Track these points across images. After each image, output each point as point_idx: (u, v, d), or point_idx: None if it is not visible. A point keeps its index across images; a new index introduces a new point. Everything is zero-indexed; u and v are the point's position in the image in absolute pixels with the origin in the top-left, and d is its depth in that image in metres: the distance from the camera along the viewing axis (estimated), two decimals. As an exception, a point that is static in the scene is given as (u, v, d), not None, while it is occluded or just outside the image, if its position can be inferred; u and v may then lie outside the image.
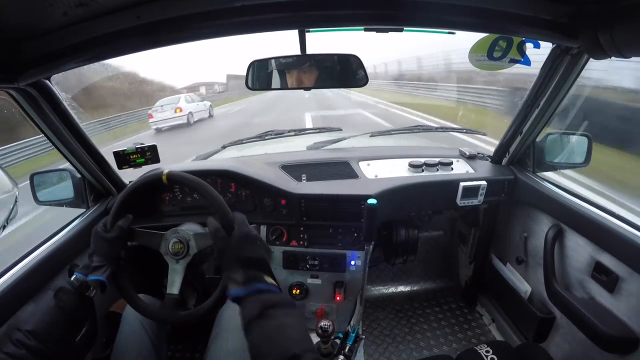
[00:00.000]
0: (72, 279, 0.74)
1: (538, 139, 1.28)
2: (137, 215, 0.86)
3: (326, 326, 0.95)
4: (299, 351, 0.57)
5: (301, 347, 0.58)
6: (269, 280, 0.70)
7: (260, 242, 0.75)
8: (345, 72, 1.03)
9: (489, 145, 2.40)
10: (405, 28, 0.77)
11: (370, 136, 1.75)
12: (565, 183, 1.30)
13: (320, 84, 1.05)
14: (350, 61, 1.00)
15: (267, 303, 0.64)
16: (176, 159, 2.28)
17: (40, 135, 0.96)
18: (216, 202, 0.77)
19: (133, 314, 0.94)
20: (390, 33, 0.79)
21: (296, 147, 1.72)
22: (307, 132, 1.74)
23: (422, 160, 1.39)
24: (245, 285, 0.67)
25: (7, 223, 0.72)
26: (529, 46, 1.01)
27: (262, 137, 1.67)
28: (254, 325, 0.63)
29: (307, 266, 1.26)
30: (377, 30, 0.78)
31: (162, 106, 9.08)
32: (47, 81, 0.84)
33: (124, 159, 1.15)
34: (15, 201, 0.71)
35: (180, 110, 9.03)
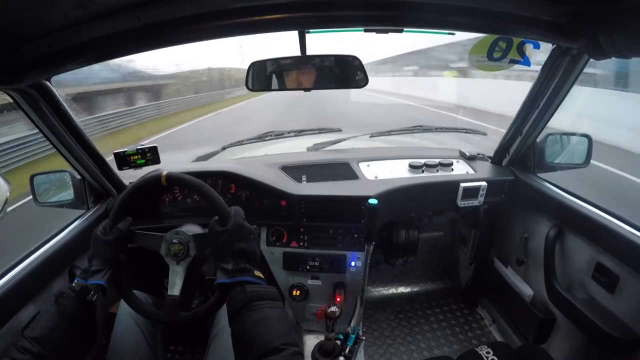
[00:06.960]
0: (73, 284, 0.74)
1: (538, 140, 1.29)
2: (137, 217, 0.86)
3: (334, 309, 1.01)
4: (281, 344, 0.58)
5: (283, 341, 0.59)
6: (257, 273, 0.71)
7: (254, 236, 0.76)
8: (345, 72, 1.03)
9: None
10: (405, 29, 0.78)
11: (370, 137, 1.74)
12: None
13: (320, 85, 1.05)
14: (350, 62, 1.00)
15: (253, 295, 0.65)
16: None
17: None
18: (212, 198, 0.78)
19: (127, 313, 0.93)
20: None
21: (296, 148, 1.71)
22: (307, 133, 1.74)
23: (422, 161, 1.39)
24: (233, 275, 0.69)
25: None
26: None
27: (262, 138, 1.66)
28: (239, 316, 0.64)
29: (307, 267, 1.26)
30: (377, 31, 0.79)
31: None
32: (47, 82, 0.84)
33: (124, 160, 1.14)
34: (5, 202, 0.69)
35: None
